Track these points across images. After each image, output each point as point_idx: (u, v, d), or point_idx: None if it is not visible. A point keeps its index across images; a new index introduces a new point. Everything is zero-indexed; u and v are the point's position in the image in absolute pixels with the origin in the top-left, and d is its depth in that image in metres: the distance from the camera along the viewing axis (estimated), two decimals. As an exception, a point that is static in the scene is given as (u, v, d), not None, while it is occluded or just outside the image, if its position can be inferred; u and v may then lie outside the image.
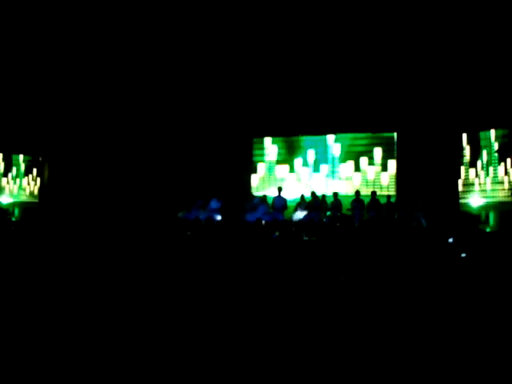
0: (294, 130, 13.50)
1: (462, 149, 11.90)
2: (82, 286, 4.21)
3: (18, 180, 15.74)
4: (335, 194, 11.82)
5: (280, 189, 12.04)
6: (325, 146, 13.63)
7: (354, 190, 11.84)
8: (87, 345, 2.90)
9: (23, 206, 14.81)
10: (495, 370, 2.48)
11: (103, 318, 3.37)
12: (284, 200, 11.78)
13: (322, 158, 13.67)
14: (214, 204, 11.77)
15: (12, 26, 10.78)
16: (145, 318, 3.38)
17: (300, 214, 11.20)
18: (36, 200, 15.13)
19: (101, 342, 2.96)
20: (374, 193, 11.59)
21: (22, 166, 15.79)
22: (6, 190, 15.63)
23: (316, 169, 13.63)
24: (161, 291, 4.18)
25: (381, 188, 12.63)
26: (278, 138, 14.03)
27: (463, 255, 5.90)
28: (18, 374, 2.56)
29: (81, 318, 3.33)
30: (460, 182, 11.84)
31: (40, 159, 14.82)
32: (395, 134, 12.94)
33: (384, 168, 13.03)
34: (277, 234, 9.17)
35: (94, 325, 3.21)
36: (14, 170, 15.78)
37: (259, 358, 2.74)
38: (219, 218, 11.53)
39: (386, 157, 13.07)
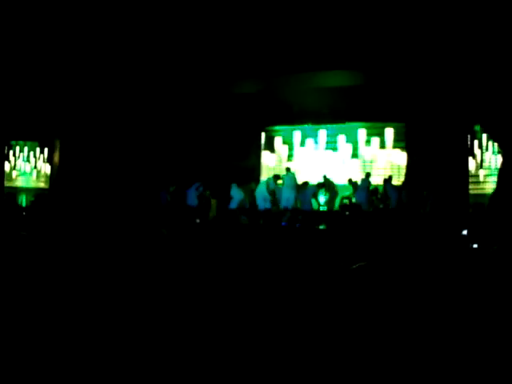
0: (303, 118, 13.46)
1: (471, 139, 11.83)
2: (82, 279, 4.10)
3: (23, 165, 15.83)
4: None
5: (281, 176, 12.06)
6: (333, 134, 13.62)
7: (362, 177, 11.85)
8: (86, 340, 2.87)
9: (33, 192, 14.88)
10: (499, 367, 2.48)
11: (103, 312, 3.30)
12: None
13: (329, 146, 13.69)
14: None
15: (17, 11, 10.71)
16: (146, 304, 3.33)
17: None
18: (46, 186, 15.20)
19: (99, 337, 2.92)
20: (386, 180, 11.60)
21: (26, 152, 15.86)
22: (13, 176, 15.72)
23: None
24: (167, 276, 4.14)
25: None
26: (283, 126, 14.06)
27: (475, 246, 5.94)
28: (17, 374, 2.54)
29: (79, 313, 3.26)
30: (470, 172, 11.79)
31: (47, 145, 14.82)
32: (404, 125, 12.89)
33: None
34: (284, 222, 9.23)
35: (93, 320, 3.14)
36: (21, 155, 15.84)
37: (260, 353, 2.72)
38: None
39: (395, 147, 13.07)
